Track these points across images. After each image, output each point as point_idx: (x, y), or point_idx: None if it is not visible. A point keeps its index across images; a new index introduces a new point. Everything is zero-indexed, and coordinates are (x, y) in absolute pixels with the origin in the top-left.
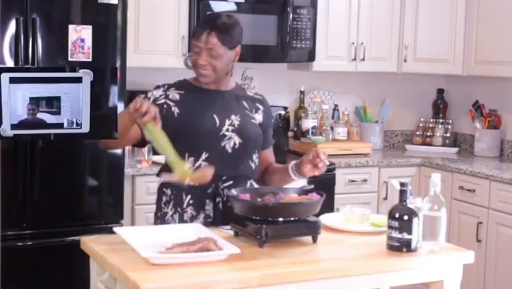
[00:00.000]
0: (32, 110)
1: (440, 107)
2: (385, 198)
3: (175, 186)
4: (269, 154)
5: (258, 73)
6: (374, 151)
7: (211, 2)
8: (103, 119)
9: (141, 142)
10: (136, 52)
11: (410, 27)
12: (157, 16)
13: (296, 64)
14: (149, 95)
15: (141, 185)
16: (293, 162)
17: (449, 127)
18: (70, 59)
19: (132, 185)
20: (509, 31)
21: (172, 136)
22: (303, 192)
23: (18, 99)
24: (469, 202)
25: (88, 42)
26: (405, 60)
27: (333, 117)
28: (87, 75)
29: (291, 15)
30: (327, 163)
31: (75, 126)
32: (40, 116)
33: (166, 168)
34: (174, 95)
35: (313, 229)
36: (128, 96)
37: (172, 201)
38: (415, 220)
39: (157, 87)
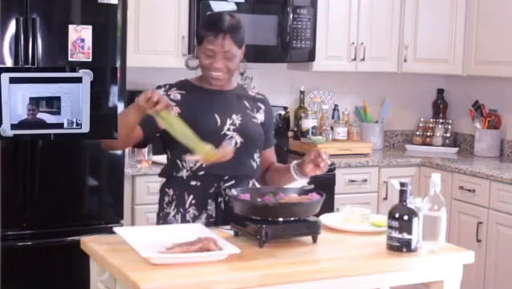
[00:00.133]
0: (32, 110)
1: (440, 107)
2: (385, 198)
3: (177, 186)
4: (270, 154)
5: (258, 73)
6: (374, 151)
7: (211, 2)
8: (103, 119)
9: (142, 143)
10: (136, 52)
11: (410, 27)
12: (157, 16)
13: (296, 64)
14: None
15: (141, 185)
16: (295, 162)
17: (449, 127)
18: (70, 59)
19: (132, 185)
20: (510, 31)
21: (174, 136)
22: (303, 192)
23: (18, 99)
24: (469, 202)
25: (88, 42)
26: (405, 60)
27: (333, 117)
28: (87, 75)
29: (291, 15)
30: (329, 162)
31: (75, 126)
32: (40, 116)
33: (168, 168)
34: (175, 95)
35: (313, 229)
36: (128, 96)
37: (175, 202)
38: (415, 220)
39: (158, 88)
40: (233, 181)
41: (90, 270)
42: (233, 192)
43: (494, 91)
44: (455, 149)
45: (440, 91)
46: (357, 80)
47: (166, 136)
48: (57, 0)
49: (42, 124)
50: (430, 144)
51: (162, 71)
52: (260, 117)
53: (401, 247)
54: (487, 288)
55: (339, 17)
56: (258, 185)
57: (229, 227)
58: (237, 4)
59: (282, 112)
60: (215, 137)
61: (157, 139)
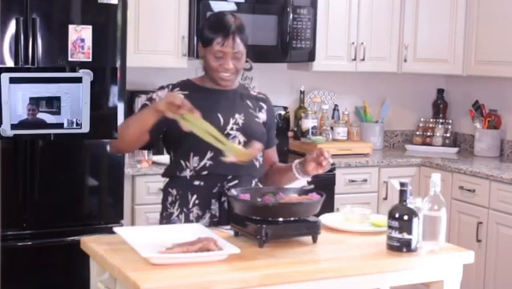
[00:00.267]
0: (32, 110)
1: (440, 107)
2: (385, 198)
3: (181, 186)
4: (272, 153)
5: (258, 73)
6: (374, 151)
7: (211, 2)
8: (103, 119)
9: (147, 145)
10: (136, 52)
11: (410, 27)
12: (157, 16)
13: (296, 64)
14: (154, 96)
15: (141, 185)
16: (297, 161)
17: (449, 127)
18: (70, 59)
19: (132, 185)
20: (510, 31)
21: (177, 136)
22: (303, 192)
23: (18, 99)
24: (469, 202)
25: (88, 42)
26: (405, 60)
27: (333, 117)
28: (87, 75)
29: (291, 15)
30: (331, 161)
31: (75, 126)
32: (40, 115)
33: (171, 168)
34: (179, 95)
35: (313, 229)
36: (128, 96)
37: (178, 202)
38: (415, 220)
39: (161, 88)
40: (236, 181)
41: (90, 270)
42: (233, 192)
43: (494, 91)
44: (455, 149)
45: (440, 91)
46: (357, 80)
47: (169, 136)
48: (57, 0)
49: (42, 124)
50: (430, 144)
51: (162, 71)
52: (262, 117)
53: (401, 247)
54: (487, 288)
55: (339, 17)
56: (260, 185)
57: (229, 227)
58: (237, 4)
59: (282, 112)
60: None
61: (160, 140)
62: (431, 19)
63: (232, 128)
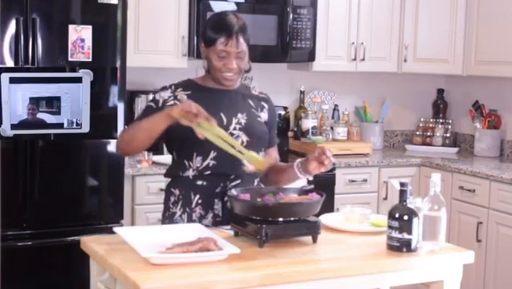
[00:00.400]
0: (32, 110)
1: (440, 107)
2: (385, 198)
3: (183, 186)
4: (274, 152)
5: (258, 73)
6: (374, 151)
7: (211, 2)
8: (103, 119)
9: (151, 148)
10: (136, 52)
11: (410, 27)
12: (157, 16)
13: (296, 64)
14: (157, 96)
15: (141, 185)
16: (298, 160)
17: (449, 127)
18: (70, 59)
19: (132, 185)
20: (510, 31)
21: (181, 136)
22: (303, 192)
23: (18, 99)
24: (469, 202)
25: (88, 42)
26: (405, 60)
27: (333, 117)
28: (87, 75)
29: (291, 15)
30: (333, 160)
31: (75, 126)
32: (40, 115)
33: (173, 168)
34: (182, 96)
35: (313, 229)
36: (128, 96)
37: (181, 201)
38: (415, 220)
39: (164, 89)
40: (238, 180)
41: (90, 270)
42: (233, 192)
43: (494, 91)
44: (455, 149)
45: (440, 91)
46: (357, 80)
47: (172, 137)
48: (57, 0)
49: (42, 124)
50: (430, 144)
51: (162, 71)
52: (264, 116)
53: (401, 247)
54: (487, 288)
55: (339, 17)
56: (262, 185)
57: (229, 227)
58: (237, 4)
59: (282, 112)
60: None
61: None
62: (431, 19)
63: (235, 128)
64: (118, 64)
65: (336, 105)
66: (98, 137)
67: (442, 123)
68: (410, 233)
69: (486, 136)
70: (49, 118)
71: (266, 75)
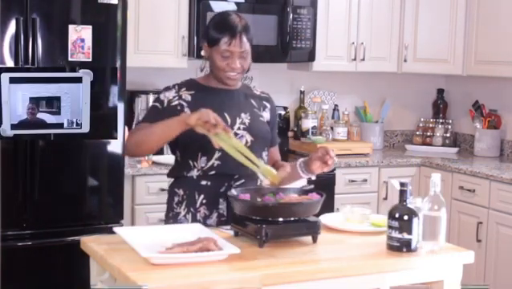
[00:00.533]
0: (32, 110)
1: (440, 107)
2: (385, 198)
3: (187, 186)
4: (275, 152)
5: (258, 73)
6: (374, 151)
7: (211, 2)
8: (103, 119)
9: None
10: (136, 52)
11: (410, 27)
12: (157, 16)
13: (296, 64)
14: (162, 97)
15: (141, 185)
16: (301, 160)
17: (449, 127)
18: (70, 59)
19: (132, 185)
20: (510, 31)
21: (186, 137)
22: (303, 192)
23: (18, 99)
24: (469, 202)
25: (88, 42)
26: (405, 60)
27: (333, 117)
28: (87, 75)
29: (291, 15)
30: (336, 160)
31: (75, 126)
32: (40, 115)
33: (177, 168)
34: (186, 95)
35: (313, 229)
36: (128, 96)
37: (185, 202)
38: (415, 220)
39: (168, 89)
40: (243, 180)
41: (90, 270)
42: (233, 192)
43: (494, 91)
44: (455, 149)
45: (440, 91)
46: (357, 80)
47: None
48: (57, 0)
49: (42, 124)
50: (430, 144)
51: (162, 71)
52: (266, 116)
53: (401, 247)
54: None
55: (339, 17)
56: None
57: (229, 227)
58: (237, 4)
59: (282, 112)
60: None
61: None
62: (431, 19)
63: (239, 128)
64: (118, 64)
65: (336, 105)
66: (98, 137)
67: (442, 123)
68: (410, 233)
69: (486, 136)
70: (49, 118)
71: (266, 75)
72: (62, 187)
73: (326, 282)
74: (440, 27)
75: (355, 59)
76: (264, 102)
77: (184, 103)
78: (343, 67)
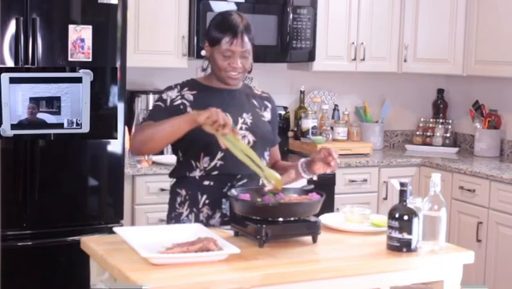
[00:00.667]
0: (32, 110)
1: (440, 107)
2: (385, 198)
3: (190, 187)
4: (275, 151)
5: (258, 73)
6: (374, 151)
7: (211, 2)
8: (103, 119)
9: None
10: (136, 52)
11: (410, 27)
12: (157, 16)
13: (296, 64)
14: (164, 96)
15: (141, 185)
16: (302, 160)
17: (449, 127)
18: (70, 59)
19: (132, 185)
20: (509, 31)
21: (189, 137)
22: (303, 192)
23: (18, 99)
24: (469, 202)
25: (88, 42)
26: (405, 60)
27: (333, 117)
28: (87, 75)
29: (291, 15)
30: (339, 162)
31: (75, 126)
32: (40, 115)
33: (179, 168)
34: (188, 95)
35: (313, 230)
36: (128, 96)
37: (188, 202)
38: (415, 220)
39: (170, 88)
40: (245, 180)
41: (90, 270)
42: (233, 192)
43: (494, 91)
44: (455, 149)
45: (440, 91)
46: (357, 80)
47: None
48: (57, 0)
49: (43, 124)
50: (430, 144)
51: (162, 71)
52: (267, 116)
53: (401, 247)
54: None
55: (339, 17)
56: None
57: (229, 227)
58: (237, 4)
59: (282, 112)
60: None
61: None
62: (431, 19)
63: (241, 128)
64: (118, 64)
65: (336, 105)
66: (98, 137)
67: (442, 123)
68: (410, 233)
69: (486, 136)
70: (49, 118)
71: (266, 75)
72: (62, 187)
73: (326, 282)
74: (440, 27)
75: (355, 59)
76: (265, 102)
77: (187, 103)
78: (343, 67)
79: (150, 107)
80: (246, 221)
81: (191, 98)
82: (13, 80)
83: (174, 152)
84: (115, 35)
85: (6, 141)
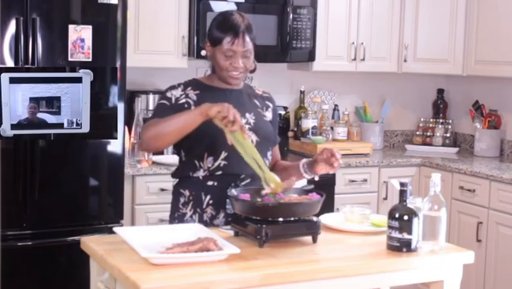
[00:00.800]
0: (32, 110)
1: (440, 107)
2: (385, 198)
3: (193, 187)
4: (276, 151)
5: (258, 73)
6: (374, 151)
7: (211, 2)
8: (103, 119)
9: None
10: (136, 52)
11: (410, 27)
12: (157, 16)
13: (296, 64)
14: (169, 94)
15: (141, 185)
16: (304, 160)
17: (449, 127)
18: (70, 59)
19: (132, 185)
20: (509, 31)
21: (192, 137)
22: (303, 192)
23: (18, 99)
24: (469, 202)
25: (88, 42)
26: (405, 60)
27: (333, 117)
28: (87, 75)
29: (291, 15)
30: (341, 162)
31: (75, 126)
32: (40, 115)
33: (182, 168)
34: (192, 94)
35: (313, 230)
36: (128, 96)
37: (192, 202)
38: (415, 220)
39: (173, 87)
40: (249, 180)
41: (90, 270)
42: (233, 192)
43: (494, 91)
44: (455, 149)
45: (440, 91)
46: (357, 80)
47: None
48: (57, 0)
49: (43, 124)
50: (430, 144)
51: (162, 71)
52: (269, 115)
53: (401, 247)
54: (487, 288)
55: (339, 17)
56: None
57: (229, 227)
58: (237, 4)
59: (282, 112)
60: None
61: None
62: (431, 19)
63: None
64: (118, 64)
65: (336, 105)
66: (98, 137)
67: (442, 123)
68: (410, 233)
69: (486, 136)
70: (49, 118)
71: (266, 75)
72: (62, 187)
73: (326, 282)
74: (440, 27)
75: (355, 59)
76: (266, 102)
77: (191, 102)
78: (343, 67)
79: (153, 107)
80: (246, 221)
81: (194, 97)
82: (13, 80)
83: (176, 152)
84: (115, 35)
85: (6, 141)
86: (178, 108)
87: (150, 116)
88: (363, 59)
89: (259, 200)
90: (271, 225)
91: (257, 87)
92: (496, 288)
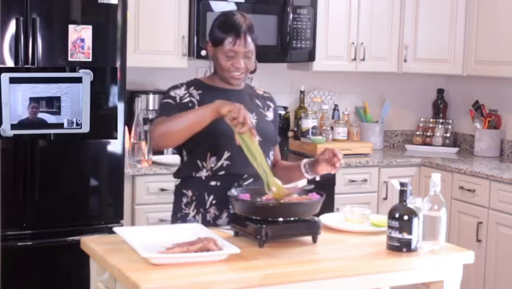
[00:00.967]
0: (32, 110)
1: (440, 107)
2: (385, 198)
3: (196, 187)
4: (276, 151)
5: (258, 73)
6: (374, 151)
7: (211, 2)
8: (103, 119)
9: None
10: (136, 52)
11: (410, 27)
12: (157, 16)
13: (296, 64)
14: (172, 94)
15: (141, 185)
16: (305, 160)
17: (449, 127)
18: (70, 59)
19: (132, 185)
20: (509, 31)
21: (195, 137)
22: (303, 192)
23: (18, 99)
24: (469, 202)
25: (88, 42)
26: (405, 60)
27: (333, 117)
28: (87, 75)
29: (291, 15)
30: (343, 162)
31: (75, 126)
32: (40, 115)
33: (184, 168)
34: (195, 94)
35: (313, 230)
36: (128, 96)
37: (195, 202)
38: (415, 220)
39: (176, 87)
40: (251, 180)
41: (90, 270)
42: (233, 192)
43: (494, 91)
44: (455, 149)
45: (440, 91)
46: (357, 80)
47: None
48: (57, 0)
49: (43, 124)
50: (430, 144)
51: (162, 71)
52: (270, 115)
53: (401, 247)
54: (487, 288)
55: (339, 17)
56: None
57: (229, 227)
58: (237, 4)
59: (282, 112)
60: (234, 137)
61: None
62: (431, 19)
63: None
64: (118, 64)
65: (336, 105)
66: (98, 137)
67: (442, 123)
68: (410, 233)
69: (486, 136)
70: (49, 118)
71: (266, 75)
72: (62, 187)
73: (326, 282)
74: (440, 27)
75: (355, 59)
76: (267, 102)
77: (195, 101)
78: (343, 67)
79: (153, 107)
80: (246, 221)
81: (198, 97)
82: (13, 80)
83: (178, 152)
84: (115, 35)
85: (6, 141)
86: (183, 107)
87: (155, 115)
88: (363, 59)
89: (259, 200)
90: (271, 225)
91: (257, 87)
92: (496, 288)
